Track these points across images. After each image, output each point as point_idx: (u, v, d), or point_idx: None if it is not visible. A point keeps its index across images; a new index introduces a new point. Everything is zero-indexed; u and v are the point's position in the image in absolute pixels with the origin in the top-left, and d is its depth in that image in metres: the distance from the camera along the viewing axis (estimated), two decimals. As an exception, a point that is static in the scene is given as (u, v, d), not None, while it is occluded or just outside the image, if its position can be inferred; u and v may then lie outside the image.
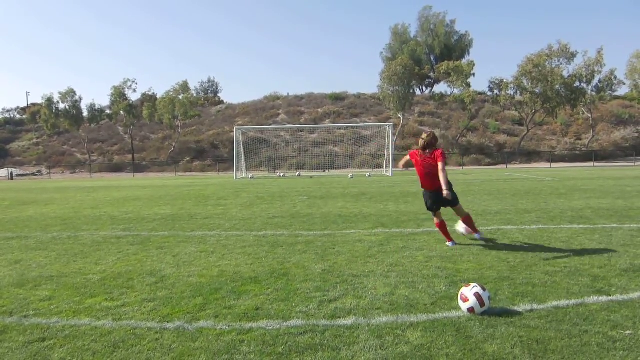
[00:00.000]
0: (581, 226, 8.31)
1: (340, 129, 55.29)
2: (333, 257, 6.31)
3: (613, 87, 49.62)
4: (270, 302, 4.43)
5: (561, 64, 47.89)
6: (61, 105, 56.91)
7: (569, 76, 47.20)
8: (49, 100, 56.27)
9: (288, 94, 73.60)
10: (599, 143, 52.55)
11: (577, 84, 47.64)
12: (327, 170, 45.14)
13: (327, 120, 61.08)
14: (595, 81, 48.40)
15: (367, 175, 33.00)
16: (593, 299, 4.31)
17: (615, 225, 8.36)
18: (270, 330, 3.75)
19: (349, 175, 31.61)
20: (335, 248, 6.89)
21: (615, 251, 6.23)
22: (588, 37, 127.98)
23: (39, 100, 60.98)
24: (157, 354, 3.36)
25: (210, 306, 4.36)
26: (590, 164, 45.02)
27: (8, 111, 79.17)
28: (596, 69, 47.39)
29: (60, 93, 56.63)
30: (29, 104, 78.46)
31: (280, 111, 65.99)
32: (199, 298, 4.61)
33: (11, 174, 51.41)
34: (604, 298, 4.32)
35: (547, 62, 47.56)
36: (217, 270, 5.72)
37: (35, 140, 66.46)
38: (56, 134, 63.62)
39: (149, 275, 5.57)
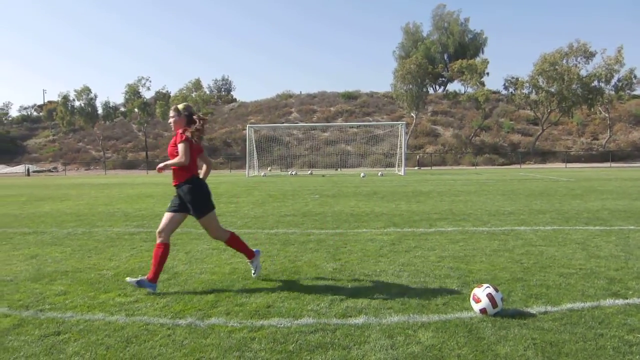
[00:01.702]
0: (597, 228, 8.20)
1: (352, 127, 55.23)
2: (344, 255, 6.30)
3: (632, 87, 48.95)
4: (282, 300, 4.43)
5: (579, 63, 47.38)
6: (77, 103, 57.58)
7: (586, 75, 46.65)
8: (65, 98, 56.98)
9: (300, 92, 73.83)
10: (616, 143, 51.91)
11: (595, 83, 47.08)
12: (339, 169, 45.11)
13: (340, 119, 61.08)
14: (614, 80, 47.78)
15: (379, 174, 32.94)
16: (609, 302, 4.25)
17: (632, 227, 8.24)
18: (281, 328, 3.75)
19: (361, 174, 31.56)
20: (347, 247, 6.88)
21: (632, 253, 6.14)
22: (606, 35, 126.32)
23: (55, 98, 61.78)
24: (169, 350, 3.38)
25: (221, 303, 4.38)
26: (607, 164, 44.48)
27: (25, 108, 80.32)
28: (615, 68, 46.79)
29: (75, 91, 57.38)
30: (45, 101, 79.49)
31: (292, 109, 66.11)
32: (210, 295, 4.63)
33: (28, 170, 52.13)
34: (620, 301, 4.26)
35: (564, 61, 47.07)
36: (228, 268, 5.74)
37: (51, 137, 67.29)
38: (71, 131, 64.35)
39: (161, 271, 5.60)
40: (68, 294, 4.75)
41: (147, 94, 59.76)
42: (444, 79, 68.92)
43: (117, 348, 3.43)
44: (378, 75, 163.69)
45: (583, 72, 46.84)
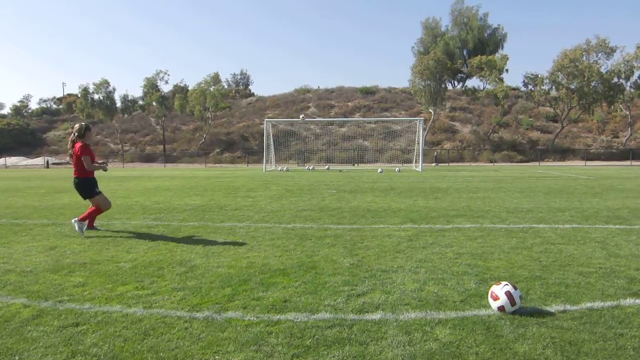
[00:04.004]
0: (617, 226, 8.07)
1: (370, 123, 55.06)
2: (361, 251, 6.28)
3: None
4: (298, 295, 4.43)
5: (599, 59, 46.56)
6: (96, 96, 58.18)
7: (607, 72, 45.85)
8: (85, 91, 57.57)
9: (318, 87, 73.76)
10: (637, 141, 50.99)
11: (615, 79, 46.27)
12: (356, 164, 45.02)
13: (357, 114, 60.91)
14: (634, 77, 46.93)
15: (396, 170, 32.80)
16: (629, 301, 4.18)
17: (653, 226, 8.08)
18: (298, 322, 3.75)
19: (378, 170, 31.45)
20: (364, 242, 6.86)
21: (653, 253, 6.02)
22: (628, 32, 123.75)
23: (75, 91, 62.59)
24: (186, 343, 3.40)
25: (238, 297, 4.39)
26: (628, 162, 43.72)
27: (45, 101, 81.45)
28: (635, 65, 45.95)
29: (94, 84, 57.94)
30: (65, 94, 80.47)
31: (310, 104, 66.08)
32: (227, 289, 4.65)
33: (47, 162, 52.92)
34: (641, 301, 4.18)
35: (585, 57, 46.31)
36: (245, 262, 5.75)
37: (70, 130, 68.09)
38: (90, 123, 64.90)
39: (178, 264, 5.64)
40: (86, 286, 4.81)
41: (166, 88, 60.33)
42: (462, 74, 68.28)
43: (135, 340, 3.46)
44: (396, 71, 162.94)
45: (603, 69, 46.06)
